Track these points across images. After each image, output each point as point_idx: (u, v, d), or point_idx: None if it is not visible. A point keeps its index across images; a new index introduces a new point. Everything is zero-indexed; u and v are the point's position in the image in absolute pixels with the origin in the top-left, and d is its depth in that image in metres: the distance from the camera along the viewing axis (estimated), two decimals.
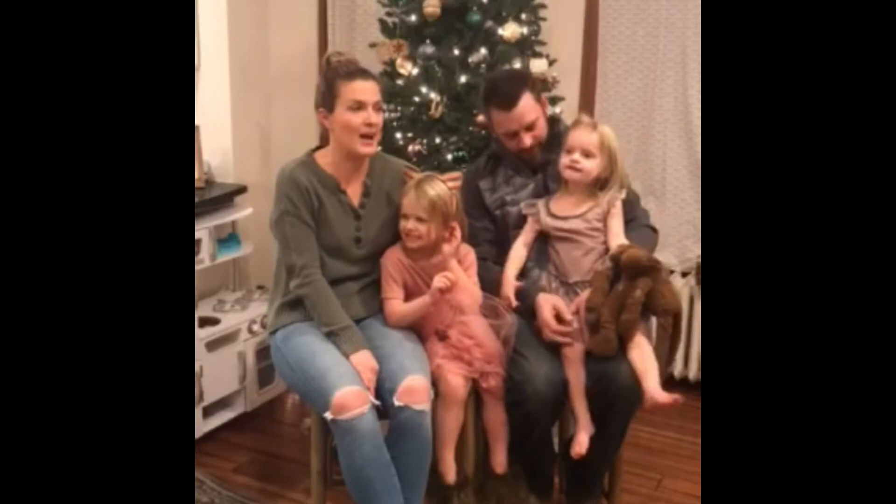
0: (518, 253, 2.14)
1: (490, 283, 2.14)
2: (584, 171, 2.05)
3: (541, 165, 2.21)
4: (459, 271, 2.04)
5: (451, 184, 2.07)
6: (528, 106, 2.12)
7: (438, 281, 1.97)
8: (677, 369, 3.10)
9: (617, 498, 2.25)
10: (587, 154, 2.05)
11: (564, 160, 2.07)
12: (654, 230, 2.23)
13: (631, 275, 1.93)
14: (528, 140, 2.14)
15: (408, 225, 2.03)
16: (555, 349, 2.07)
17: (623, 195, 2.08)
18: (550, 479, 2.22)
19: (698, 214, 3.03)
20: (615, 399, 1.97)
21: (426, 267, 2.07)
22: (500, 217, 2.20)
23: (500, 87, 2.17)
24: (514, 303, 2.06)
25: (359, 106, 1.99)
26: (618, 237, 2.04)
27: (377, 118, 2.02)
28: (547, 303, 2.04)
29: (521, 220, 2.18)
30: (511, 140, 2.17)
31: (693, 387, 3.09)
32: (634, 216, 2.16)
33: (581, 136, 2.06)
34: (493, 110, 2.16)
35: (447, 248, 2.04)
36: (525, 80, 2.19)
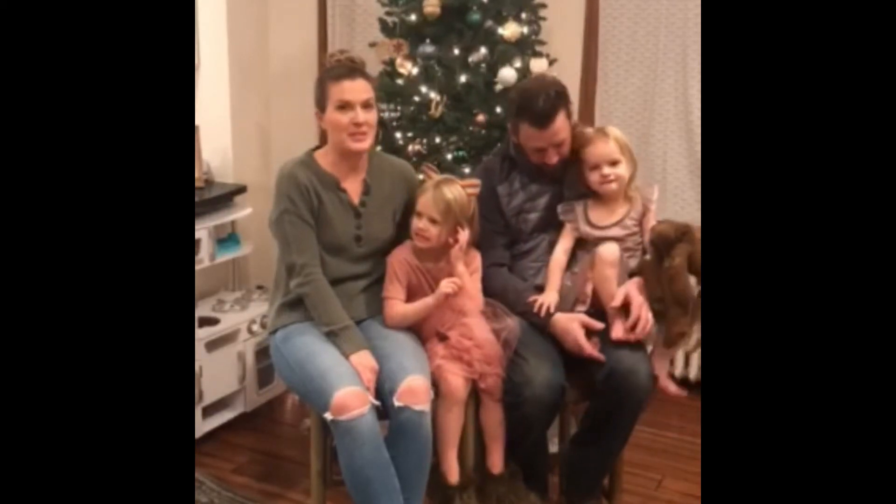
0: (560, 259, 2.12)
1: (504, 292, 2.12)
2: (619, 179, 2.06)
3: (558, 174, 2.17)
4: (466, 276, 2.04)
5: (469, 190, 2.07)
6: (561, 124, 2.05)
7: (446, 286, 1.97)
8: (677, 369, 3.10)
9: (617, 498, 2.25)
10: (613, 163, 2.05)
11: (594, 177, 2.06)
12: None
13: (666, 249, 1.95)
14: (554, 158, 2.09)
15: (419, 224, 2.03)
16: (555, 352, 2.07)
17: (656, 196, 2.09)
18: (545, 479, 2.22)
19: (698, 214, 3.02)
20: (626, 397, 1.96)
21: (432, 269, 2.07)
22: (515, 224, 2.18)
23: (536, 102, 2.04)
24: (551, 310, 2.05)
25: (345, 105, 1.99)
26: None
27: (365, 116, 2.01)
28: (573, 327, 2.02)
29: (538, 226, 2.16)
30: (535, 154, 2.11)
31: (693, 387, 3.09)
32: None
33: (601, 149, 2.06)
34: (525, 125, 2.07)
35: (456, 250, 2.03)
36: (561, 97, 2.08)
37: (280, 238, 2.06)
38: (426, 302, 2.03)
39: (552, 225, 2.16)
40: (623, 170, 2.06)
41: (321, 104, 2.04)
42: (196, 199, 2.76)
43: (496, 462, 2.09)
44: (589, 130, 2.13)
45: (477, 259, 2.12)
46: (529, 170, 2.17)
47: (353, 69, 2.05)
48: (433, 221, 2.02)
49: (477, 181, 2.13)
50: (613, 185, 2.06)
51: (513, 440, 2.07)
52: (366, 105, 2.01)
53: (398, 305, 2.08)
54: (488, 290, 2.12)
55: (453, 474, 2.03)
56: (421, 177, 2.16)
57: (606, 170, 2.05)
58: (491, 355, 2.03)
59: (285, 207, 2.02)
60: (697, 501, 2.36)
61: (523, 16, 2.73)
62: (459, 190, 2.04)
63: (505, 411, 2.04)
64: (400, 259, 2.09)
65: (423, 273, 2.08)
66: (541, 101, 2.04)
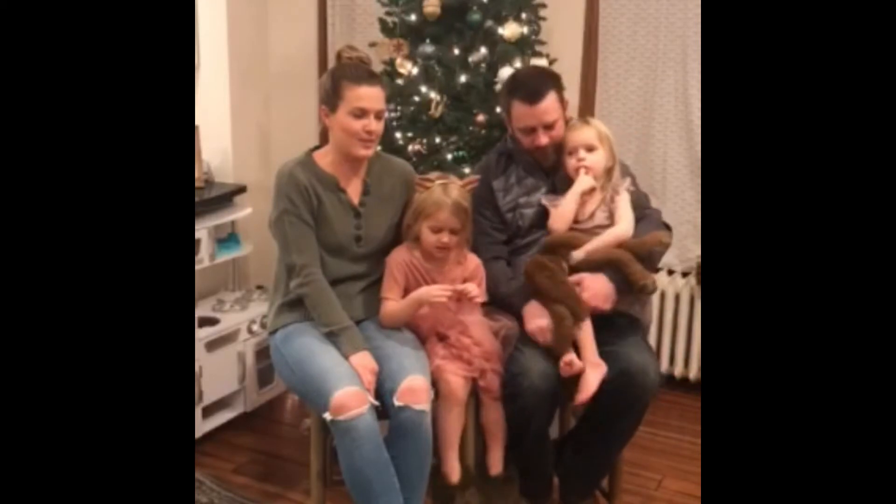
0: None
1: (495, 286, 2.13)
2: (593, 166, 2.06)
3: (553, 167, 2.18)
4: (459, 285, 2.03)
5: (469, 187, 2.09)
6: (551, 104, 2.09)
7: (433, 294, 1.98)
8: (677, 369, 3.10)
9: (617, 498, 2.25)
10: (590, 149, 2.06)
11: (571, 162, 2.08)
12: (668, 227, 2.20)
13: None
14: (544, 139, 2.11)
15: (443, 238, 2.02)
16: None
17: (627, 184, 2.08)
18: (548, 479, 2.20)
19: (698, 214, 3.03)
20: (635, 398, 1.96)
21: (431, 270, 2.07)
22: (511, 220, 2.18)
23: (527, 80, 2.13)
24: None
25: (361, 113, 1.98)
26: (621, 219, 2.04)
27: (377, 126, 2.01)
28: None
29: (535, 222, 2.16)
30: (527, 137, 2.13)
31: (693, 387, 3.09)
32: (645, 214, 2.14)
33: (579, 134, 2.08)
34: (516, 103, 2.11)
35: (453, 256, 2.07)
36: (553, 79, 2.16)
37: (280, 238, 2.06)
38: (408, 302, 2.03)
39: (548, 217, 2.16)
40: (599, 157, 2.06)
41: (331, 103, 2.02)
42: (196, 199, 2.76)
43: (495, 462, 2.08)
44: (573, 120, 2.15)
45: (481, 269, 2.12)
46: (526, 163, 2.19)
47: (371, 73, 2.05)
48: (454, 232, 2.03)
49: (476, 177, 2.16)
50: (588, 173, 2.06)
51: (513, 436, 2.07)
52: (378, 114, 2.01)
53: (392, 305, 2.08)
54: (496, 292, 2.13)
55: (454, 474, 2.03)
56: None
57: (581, 153, 2.06)
58: (490, 352, 2.03)
59: (285, 208, 2.02)
60: (697, 501, 2.36)
61: (523, 16, 2.72)
62: (462, 189, 2.06)
63: (504, 404, 2.04)
64: (398, 261, 2.09)
65: (422, 274, 2.08)
66: (532, 79, 2.13)
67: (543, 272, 1.98)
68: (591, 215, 2.06)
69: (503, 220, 2.19)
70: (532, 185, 2.18)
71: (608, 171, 2.09)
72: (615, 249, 1.99)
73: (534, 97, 2.08)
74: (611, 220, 2.06)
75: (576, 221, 2.08)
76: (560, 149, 2.14)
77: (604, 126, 2.12)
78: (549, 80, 2.13)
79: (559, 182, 2.16)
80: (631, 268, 1.94)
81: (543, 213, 2.15)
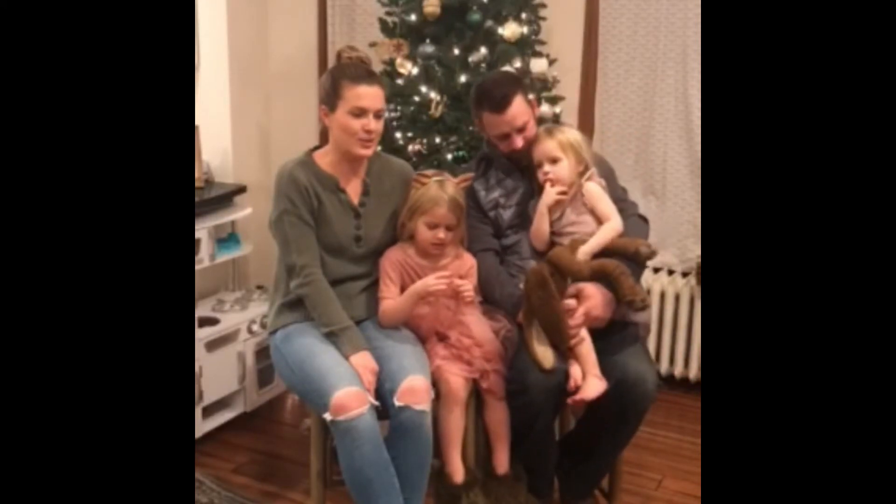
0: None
1: (489, 284, 2.13)
2: (559, 178, 2.05)
3: (529, 167, 2.19)
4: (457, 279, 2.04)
5: (463, 185, 2.10)
6: (519, 108, 2.12)
7: (434, 283, 1.98)
8: (677, 369, 3.10)
9: (617, 498, 2.25)
10: (553, 160, 2.06)
11: (539, 176, 2.09)
12: (645, 220, 2.21)
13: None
14: (519, 142, 2.13)
15: (439, 234, 2.03)
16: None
17: (596, 176, 2.07)
18: (551, 479, 2.21)
19: (698, 214, 3.03)
20: (631, 407, 1.96)
21: (425, 267, 2.07)
22: (493, 218, 2.20)
23: (491, 90, 2.15)
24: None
25: (360, 112, 1.98)
26: (611, 215, 2.03)
27: (377, 125, 2.01)
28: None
29: (516, 222, 2.17)
30: (503, 142, 2.16)
31: (693, 387, 3.09)
32: (621, 207, 2.13)
33: (541, 148, 2.08)
34: (485, 113, 2.15)
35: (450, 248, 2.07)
36: (516, 82, 2.20)
37: (280, 239, 2.06)
38: (405, 298, 2.03)
39: (529, 220, 2.16)
40: (563, 168, 2.05)
41: (330, 103, 2.02)
42: (196, 199, 2.77)
43: (502, 462, 2.08)
44: (540, 130, 2.15)
45: (474, 267, 2.13)
46: (504, 165, 2.21)
47: (371, 73, 2.05)
48: (449, 228, 2.03)
49: (470, 175, 2.17)
50: (552, 185, 2.06)
51: (519, 433, 2.06)
52: (378, 113, 2.01)
53: (390, 303, 2.08)
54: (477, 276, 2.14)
55: (458, 474, 2.03)
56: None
57: (546, 167, 2.06)
58: (491, 353, 2.03)
59: (285, 208, 2.02)
60: (697, 501, 2.36)
61: (523, 16, 2.73)
62: (457, 185, 2.07)
63: (511, 399, 2.03)
64: (393, 260, 2.09)
65: (416, 272, 2.08)
66: (495, 88, 2.15)
67: (540, 291, 1.92)
68: (561, 216, 2.07)
69: (487, 216, 2.21)
70: (511, 186, 2.20)
71: (580, 175, 2.07)
72: (608, 261, 1.96)
73: (500, 106, 2.11)
74: (583, 218, 2.04)
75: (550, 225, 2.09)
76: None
77: (570, 133, 2.11)
78: (511, 86, 2.15)
79: (537, 183, 2.16)
80: (622, 282, 1.92)
81: (522, 214, 2.17)
